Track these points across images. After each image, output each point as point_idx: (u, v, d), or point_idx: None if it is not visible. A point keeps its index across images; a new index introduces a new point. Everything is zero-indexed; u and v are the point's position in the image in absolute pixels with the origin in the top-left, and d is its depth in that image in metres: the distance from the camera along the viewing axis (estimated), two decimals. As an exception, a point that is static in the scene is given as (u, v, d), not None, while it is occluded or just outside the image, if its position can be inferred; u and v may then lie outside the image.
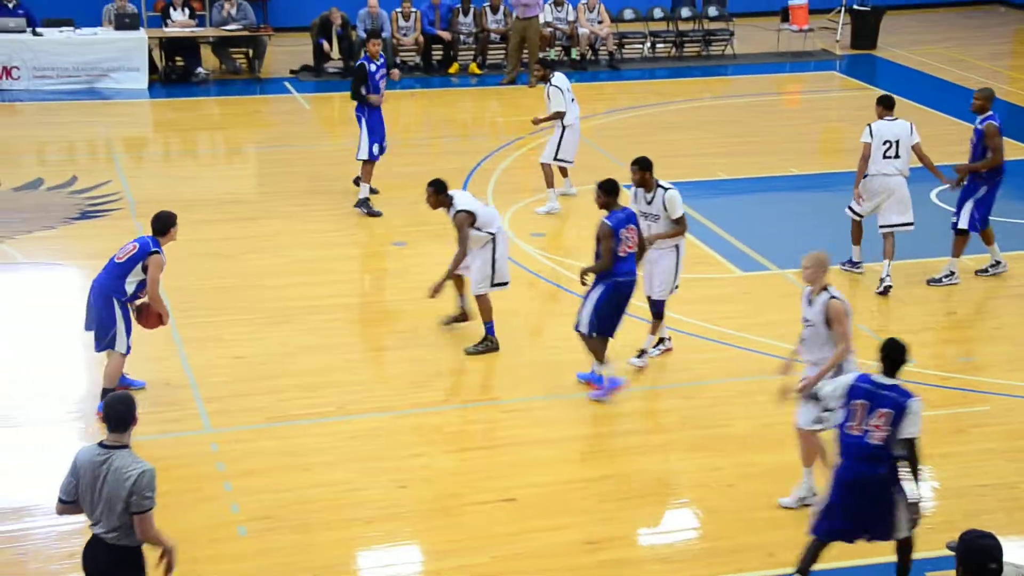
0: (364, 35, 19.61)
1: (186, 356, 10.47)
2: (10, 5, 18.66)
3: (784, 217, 14.16)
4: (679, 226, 10.32)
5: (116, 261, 9.48)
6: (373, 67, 13.65)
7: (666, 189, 10.33)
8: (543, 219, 13.81)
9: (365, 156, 13.74)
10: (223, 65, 19.76)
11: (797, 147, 16.61)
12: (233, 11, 19.37)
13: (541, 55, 18.30)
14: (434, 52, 20.22)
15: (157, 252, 9.42)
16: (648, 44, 21.27)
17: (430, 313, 11.35)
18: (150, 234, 9.56)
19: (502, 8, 20.15)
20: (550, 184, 14.02)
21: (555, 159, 14.04)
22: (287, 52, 20.45)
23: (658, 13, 21.72)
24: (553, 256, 12.70)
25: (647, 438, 9.56)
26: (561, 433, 9.46)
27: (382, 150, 13.88)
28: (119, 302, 9.41)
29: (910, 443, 7.13)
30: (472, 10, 20.11)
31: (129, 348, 9.47)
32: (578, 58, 20.45)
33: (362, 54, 14.09)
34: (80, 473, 6.31)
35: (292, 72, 19.78)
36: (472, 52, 20.25)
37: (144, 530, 6.26)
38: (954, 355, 10.77)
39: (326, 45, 19.47)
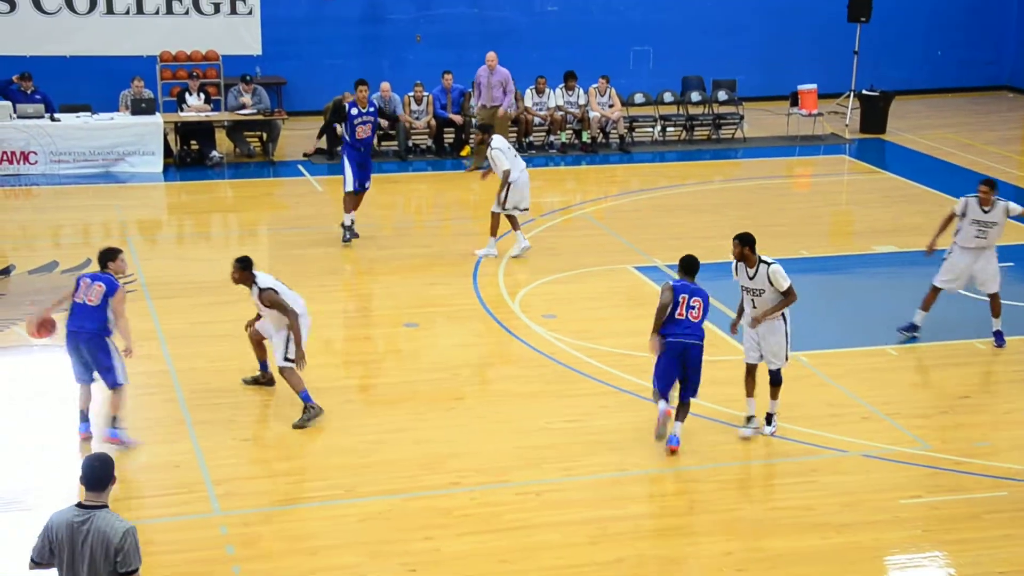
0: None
1: (196, 438, 10.45)
2: (29, 91, 18.95)
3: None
4: (788, 297, 10.46)
5: (90, 304, 9.95)
6: (355, 111, 15.08)
7: (769, 264, 10.46)
8: (553, 302, 13.83)
9: (350, 188, 15.24)
10: (237, 149, 19.99)
11: (807, 230, 16.66)
12: (248, 96, 19.64)
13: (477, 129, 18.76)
14: (446, 135, 20.43)
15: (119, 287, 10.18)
16: (659, 128, 21.47)
17: (441, 395, 11.34)
18: (99, 270, 10.20)
19: (513, 92, 20.37)
20: (493, 233, 15.03)
21: (504, 209, 14.88)
22: (300, 135, 20.69)
23: (668, 97, 21.97)
24: (564, 338, 12.70)
25: (657, 522, 9.47)
26: (571, 516, 9.38)
27: (361, 188, 15.37)
28: (108, 339, 10.09)
29: None
30: (484, 94, 20.35)
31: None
32: (589, 141, 20.64)
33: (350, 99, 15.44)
34: (56, 536, 6.26)
35: (305, 155, 20.00)
36: (484, 136, 20.43)
37: None
38: (968, 439, 10.68)
39: (339, 128, 19.61)
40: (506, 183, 14.74)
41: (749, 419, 10.71)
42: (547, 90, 20.54)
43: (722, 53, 23.60)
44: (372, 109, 15.47)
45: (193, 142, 19.65)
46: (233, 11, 20.23)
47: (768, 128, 22.11)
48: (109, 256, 10.27)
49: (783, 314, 10.51)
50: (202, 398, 11.21)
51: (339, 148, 19.68)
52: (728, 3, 23.82)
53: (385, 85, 19.99)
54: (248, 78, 19.86)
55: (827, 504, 9.56)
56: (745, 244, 10.49)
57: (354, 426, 10.80)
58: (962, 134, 21.86)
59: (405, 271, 14.71)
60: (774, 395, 10.68)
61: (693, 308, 10.17)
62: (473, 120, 20.30)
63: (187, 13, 20.25)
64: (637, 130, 21.32)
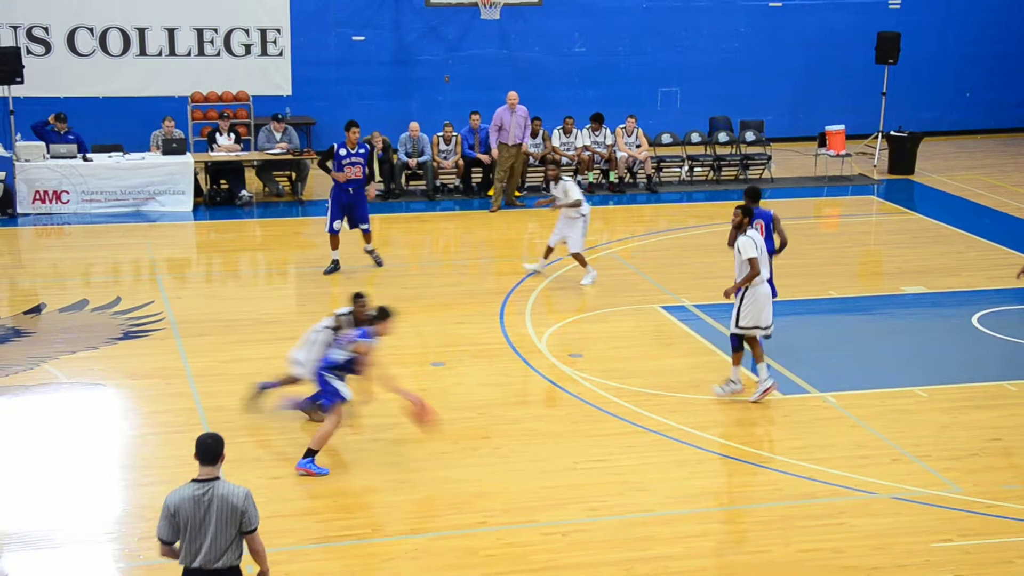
0: (405, 158, 20.02)
1: (223, 476, 10.43)
2: (63, 132, 19.19)
3: (823, 340, 14.09)
4: (752, 269, 11.91)
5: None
6: (343, 151, 15.70)
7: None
8: (580, 342, 13.81)
9: (327, 230, 15.82)
10: (266, 188, 20.15)
11: (835, 270, 16.61)
12: (278, 136, 19.82)
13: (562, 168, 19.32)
14: (473, 175, 20.53)
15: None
16: (686, 168, 21.51)
17: (468, 434, 11.33)
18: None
19: (541, 132, 20.48)
20: (585, 264, 15.61)
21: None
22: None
23: (696, 138, 22.03)
24: (590, 377, 12.68)
25: (684, 563, 9.40)
26: (598, 557, 9.33)
27: (354, 225, 15.89)
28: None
29: None
30: (511, 135, 20.46)
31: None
32: (616, 181, 20.69)
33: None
34: (178, 511, 6.96)
35: (334, 194, 20.09)
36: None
37: (256, 546, 7.06)
38: (999, 482, 10.57)
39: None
40: (582, 215, 15.31)
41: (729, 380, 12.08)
42: (574, 130, 20.63)
43: (750, 94, 23.66)
44: (362, 151, 15.77)
45: (223, 181, 19.82)
46: (264, 52, 20.47)
47: (796, 169, 22.11)
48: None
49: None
50: (229, 437, 11.08)
51: (367, 188, 19.89)
52: (755, 44, 23.90)
53: (414, 125, 20.13)
54: (279, 118, 20.05)
55: (857, 547, 9.47)
56: (747, 215, 12.09)
57: (381, 465, 10.79)
58: (991, 175, 21.78)
59: (432, 310, 14.74)
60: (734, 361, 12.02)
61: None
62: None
63: (218, 54, 20.50)
64: (664, 170, 21.36)
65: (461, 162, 20.25)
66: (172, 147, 19.31)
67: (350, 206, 15.89)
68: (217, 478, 7.04)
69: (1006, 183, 21.34)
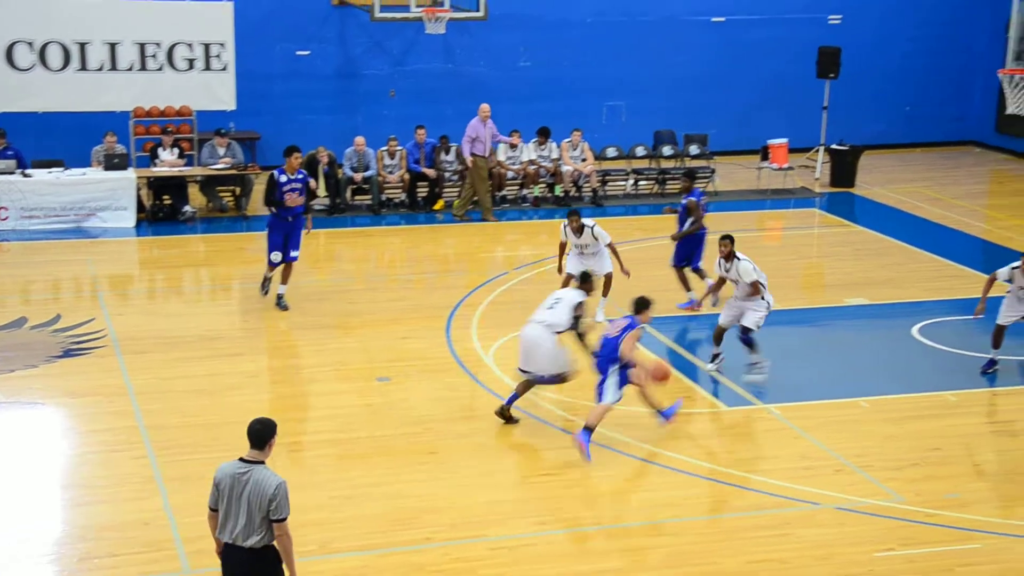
0: (350, 173, 19.95)
1: (167, 495, 10.34)
2: (1, 148, 18.91)
3: (767, 353, 14.17)
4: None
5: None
6: (284, 178, 14.81)
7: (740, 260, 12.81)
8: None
9: (267, 260, 15.06)
10: (210, 203, 19.98)
11: (779, 282, 16.67)
12: (222, 151, 19.67)
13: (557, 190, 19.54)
14: (419, 189, 20.50)
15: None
16: (631, 181, 21.62)
17: (415, 449, 11.28)
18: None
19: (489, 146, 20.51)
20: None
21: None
22: (274, 190, 20.68)
23: (640, 151, 22.16)
24: (538, 391, 12.66)
25: (633, 577, 9.42)
26: (545, 571, 9.31)
27: (285, 259, 15.00)
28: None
29: None
30: (454, 148, 20.46)
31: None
32: (562, 195, 20.75)
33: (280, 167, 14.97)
34: (221, 483, 7.38)
35: (279, 210, 19.97)
36: (457, 189, 20.53)
37: (282, 537, 7.31)
38: (940, 491, 10.69)
39: (312, 183, 19.66)
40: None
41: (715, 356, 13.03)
42: (520, 144, 20.67)
43: (694, 108, 23.84)
44: (301, 176, 15.02)
45: (166, 197, 19.63)
46: (207, 67, 20.28)
47: (739, 182, 22.29)
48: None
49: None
50: (173, 454, 11.10)
51: (312, 203, 19.78)
52: (699, 59, 24.09)
53: (359, 139, 20.08)
54: (223, 133, 19.90)
55: (802, 557, 9.53)
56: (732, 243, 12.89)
57: (327, 481, 10.71)
58: (931, 188, 22.09)
59: (378, 325, 14.68)
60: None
61: None
62: (446, 174, 20.37)
63: (161, 69, 20.29)
64: (610, 184, 21.46)
65: (407, 176, 20.21)
66: (114, 162, 19.10)
67: (287, 235, 15.02)
68: (261, 462, 7.37)
69: (945, 196, 21.65)
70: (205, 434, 11.58)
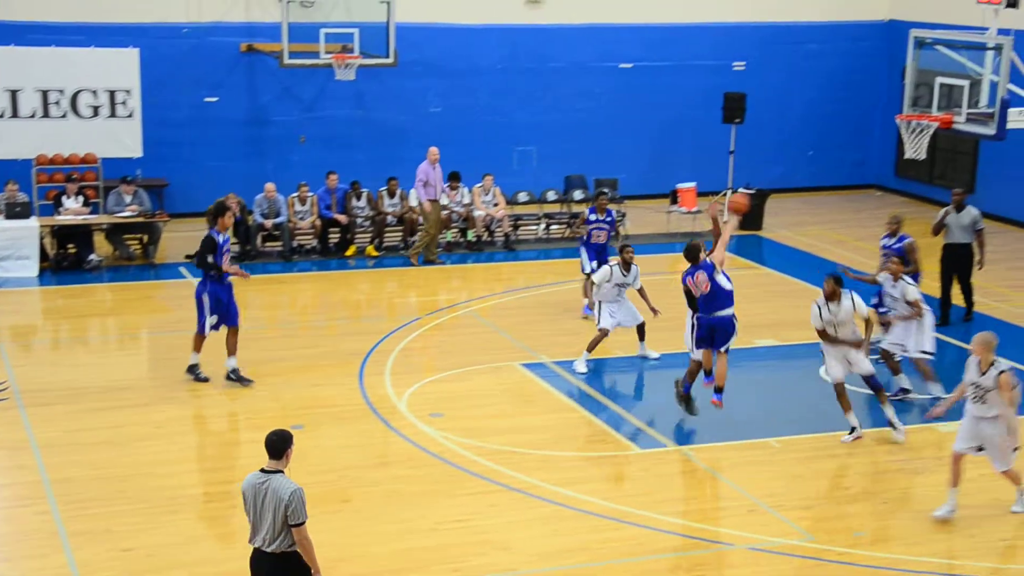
0: (260, 219, 19.78)
1: (71, 550, 10.07)
2: (-101, 194, 18.45)
3: (672, 394, 14.31)
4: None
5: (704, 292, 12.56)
6: (221, 239, 13.74)
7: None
8: (441, 401, 13.75)
9: (200, 332, 13.85)
10: (117, 252, 19.66)
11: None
12: (128, 198, 19.40)
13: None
14: (331, 235, 20.39)
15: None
16: (543, 225, 21.75)
17: (328, 497, 11.15)
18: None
19: (398, 192, 20.51)
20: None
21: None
22: (183, 237, 20.44)
23: (552, 196, 22.32)
24: (452, 436, 12.62)
25: (550, 622, 9.38)
26: (462, 620, 9.23)
27: (229, 324, 13.88)
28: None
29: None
30: (366, 194, 20.41)
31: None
32: (474, 240, 20.78)
33: (211, 227, 13.88)
34: (245, 494, 7.91)
35: (187, 257, 19.72)
36: (369, 235, 20.47)
37: (301, 540, 7.82)
38: (850, 529, 10.83)
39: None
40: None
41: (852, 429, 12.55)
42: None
43: (604, 152, 24.10)
44: (227, 237, 14.13)
45: (71, 246, 19.26)
46: (113, 114, 20.01)
47: (649, 225, 22.54)
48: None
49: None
50: (78, 509, 10.83)
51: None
52: (609, 104, 24.39)
53: (270, 186, 19.95)
54: (129, 180, 19.63)
55: (717, 598, 9.58)
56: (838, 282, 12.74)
57: (239, 532, 10.52)
58: (836, 230, 22.53)
59: (290, 372, 14.52)
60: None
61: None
62: (358, 220, 20.30)
63: (64, 116, 19.96)
64: (522, 228, 21.56)
65: (318, 222, 20.10)
66: (15, 211, 18.71)
67: (226, 300, 13.88)
68: (279, 471, 7.89)
69: (850, 238, 22.11)
70: (111, 487, 11.32)
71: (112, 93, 19.95)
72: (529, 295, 18.34)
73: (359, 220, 20.37)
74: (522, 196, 22.18)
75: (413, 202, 20.36)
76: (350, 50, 20.04)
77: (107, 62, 19.89)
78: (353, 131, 22.91)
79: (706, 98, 24.18)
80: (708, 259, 12.53)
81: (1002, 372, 10.66)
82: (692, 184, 22.20)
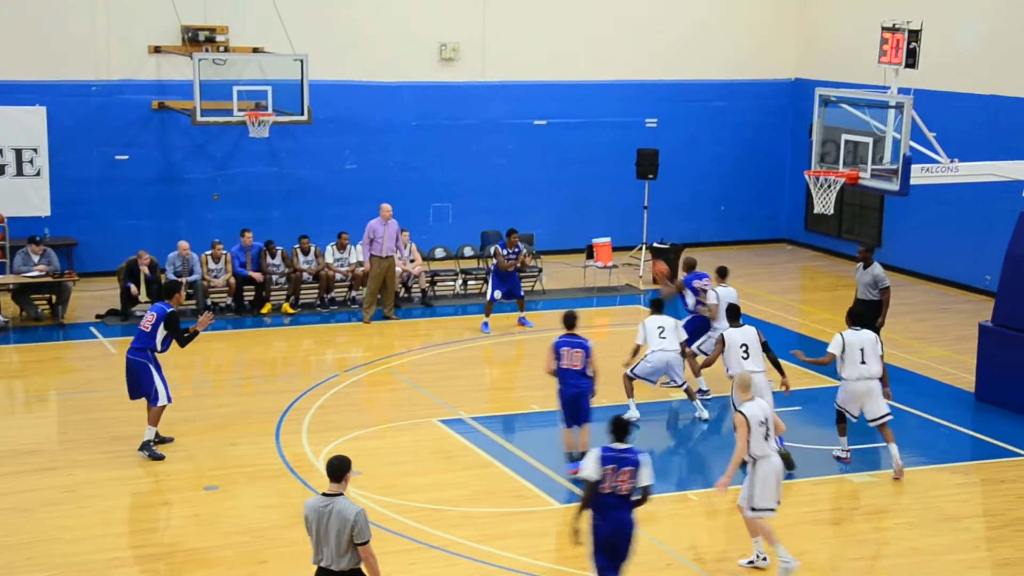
0: (173, 277, 19.52)
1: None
2: None
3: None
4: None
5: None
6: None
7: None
8: (359, 458, 13.57)
9: (164, 402, 13.51)
10: (24, 312, 19.25)
11: (607, 378, 16.96)
12: (36, 258, 19.05)
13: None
14: (245, 293, 20.19)
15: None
16: (460, 281, 21.77)
17: (244, 559, 10.95)
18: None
19: (312, 248, 20.40)
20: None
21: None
22: (93, 297, 20.11)
23: (468, 251, 22.38)
24: (370, 495, 12.49)
25: None
26: None
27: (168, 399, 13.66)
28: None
29: (646, 488, 9.51)
30: (280, 251, 20.28)
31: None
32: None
33: (164, 302, 13.77)
34: (308, 518, 8.37)
35: (98, 317, 19.41)
36: (284, 292, 20.32)
37: (366, 558, 8.27)
38: (769, 578, 10.91)
39: (134, 288, 19.25)
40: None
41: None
42: (348, 246, 20.63)
43: (519, 208, 24.26)
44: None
45: (-24, 306, 18.83)
46: (20, 172, 19.66)
47: (566, 280, 22.69)
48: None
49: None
50: (-17, 576, 10.48)
51: (134, 309, 19.30)
52: (523, 160, 24.59)
53: (183, 244, 19.72)
54: (37, 240, 19.28)
55: (638, 652, 9.54)
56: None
57: (151, 598, 10.29)
58: (749, 284, 22.86)
59: (205, 432, 14.29)
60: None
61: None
62: (273, 277, 20.15)
63: (-30, 174, 19.60)
64: (439, 284, 21.56)
65: (232, 281, 19.90)
66: (-81, 271, 18.27)
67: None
68: (340, 494, 8.34)
69: (762, 291, 22.46)
70: (17, 554, 11.01)
71: (19, 151, 19.63)
72: (447, 351, 18.31)
73: (274, 278, 20.22)
74: (439, 252, 22.21)
75: (361, 257, 20.42)
76: (263, 107, 20.00)
77: (13, 120, 19.58)
78: (267, 188, 22.81)
79: (619, 154, 24.53)
80: (589, 341, 13.07)
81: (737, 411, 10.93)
82: (607, 239, 22.43)
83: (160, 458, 13.46)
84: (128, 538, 11.55)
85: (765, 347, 13.62)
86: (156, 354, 13.59)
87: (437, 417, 14.98)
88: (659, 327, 15.01)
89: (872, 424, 13.43)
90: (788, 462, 12.73)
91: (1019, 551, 11.66)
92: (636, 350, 14.97)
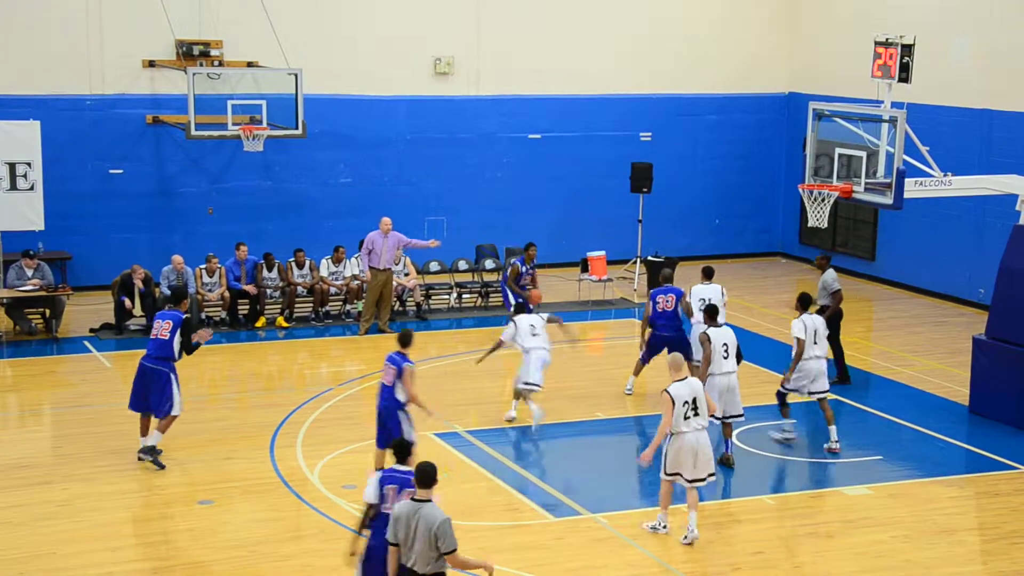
0: (168, 292, 19.50)
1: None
2: None
3: (592, 462, 14.35)
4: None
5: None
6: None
7: None
8: (354, 472, 13.60)
9: (180, 410, 13.55)
10: (17, 327, 19.22)
11: (601, 392, 17.01)
12: (30, 272, 19.03)
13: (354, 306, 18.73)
14: (240, 307, 20.18)
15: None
16: (454, 295, 21.78)
17: (239, 573, 10.92)
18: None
19: (307, 263, 20.40)
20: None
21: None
22: (87, 311, 20.09)
23: (463, 265, 22.39)
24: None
25: None
26: None
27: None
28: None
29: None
30: (277, 265, 20.29)
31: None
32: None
33: (170, 308, 13.74)
34: (398, 522, 8.52)
35: (92, 331, 19.38)
36: (279, 306, 20.30)
37: (456, 563, 8.47)
38: (765, 592, 10.90)
39: (127, 302, 19.23)
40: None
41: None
42: (344, 260, 20.64)
43: (514, 222, 24.29)
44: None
45: (-30, 320, 18.80)
46: (13, 187, 19.64)
47: (560, 294, 22.70)
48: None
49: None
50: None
51: (128, 323, 19.27)
52: (518, 174, 24.62)
53: (177, 258, 19.71)
54: (31, 254, 19.27)
55: (634, 666, 9.53)
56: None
57: (145, 613, 10.26)
58: (743, 298, 22.88)
59: (199, 446, 14.26)
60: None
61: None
62: (267, 291, 20.13)
63: (-38, 189, 19.59)
64: (433, 297, 21.56)
65: (227, 294, 19.89)
66: (-87, 285, 18.24)
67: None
68: (429, 500, 8.47)
69: (756, 304, 22.49)
70: (11, 569, 10.97)
71: (12, 166, 19.61)
72: (442, 364, 18.30)
73: (269, 291, 20.21)
74: (433, 266, 22.22)
75: (356, 271, 20.45)
76: (258, 121, 20.01)
77: (7, 134, 19.55)
78: (262, 202, 22.81)
79: (613, 168, 24.57)
80: (408, 363, 12.51)
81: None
82: (602, 252, 22.45)
83: (162, 467, 13.44)
84: (123, 552, 11.51)
85: (738, 353, 14.10)
86: (175, 363, 13.54)
87: (431, 431, 14.96)
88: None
89: (814, 398, 14.40)
90: (728, 463, 13.80)
91: (1014, 564, 11.67)
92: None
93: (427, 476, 8.52)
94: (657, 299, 15.45)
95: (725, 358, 13.84)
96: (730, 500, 13.02)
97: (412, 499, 8.53)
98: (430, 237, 23.88)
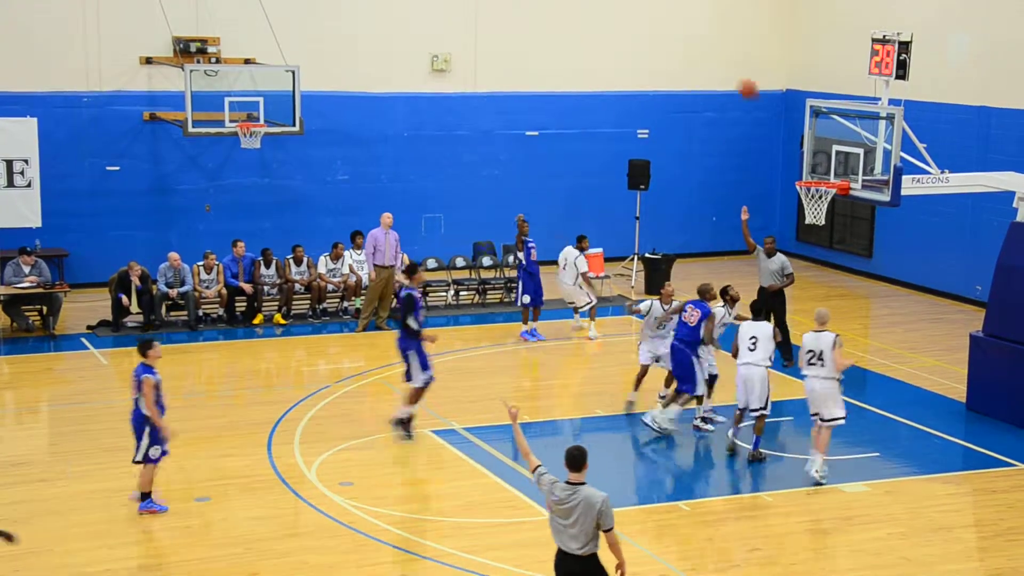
0: (165, 289, 19.50)
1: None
2: None
3: (591, 459, 14.31)
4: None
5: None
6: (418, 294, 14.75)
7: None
8: (351, 469, 13.60)
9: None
10: (14, 323, 19.21)
11: (599, 389, 17.02)
12: (27, 269, 19.01)
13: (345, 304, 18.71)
14: (237, 304, 20.17)
15: (149, 373, 12.10)
16: (452, 292, 21.77)
17: (236, 570, 10.93)
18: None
19: (305, 260, 20.39)
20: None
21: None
22: (84, 308, 20.07)
23: (460, 262, 22.38)
24: (362, 505, 12.48)
25: None
26: None
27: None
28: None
29: None
30: (274, 262, 20.28)
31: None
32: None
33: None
34: (555, 504, 8.72)
35: (89, 328, 19.37)
36: (276, 303, 20.30)
37: (611, 541, 8.69)
38: (762, 588, 10.91)
39: (125, 299, 19.22)
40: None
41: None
42: (342, 257, 20.64)
43: (511, 219, 24.18)
44: None
45: (-33, 317, 18.79)
46: (10, 184, 19.63)
47: (558, 291, 22.66)
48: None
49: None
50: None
51: (125, 320, 19.27)
52: (515, 171, 24.62)
53: (174, 255, 19.70)
54: (28, 251, 19.25)
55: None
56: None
57: (142, 610, 10.26)
58: (741, 294, 22.88)
59: (196, 443, 14.26)
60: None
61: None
62: (265, 288, 20.12)
63: (-41, 186, 19.57)
64: (431, 295, 21.56)
65: (224, 291, 19.88)
66: (-90, 282, 18.23)
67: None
68: (583, 483, 8.68)
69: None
70: (7, 566, 10.97)
71: (9, 163, 19.60)
72: (439, 361, 18.25)
73: (266, 288, 20.20)
74: (431, 263, 22.21)
75: (352, 267, 20.49)
76: (255, 118, 19.99)
77: (4, 131, 19.53)
78: (259, 199, 22.80)
79: (610, 165, 24.57)
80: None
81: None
82: (599, 249, 22.44)
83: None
84: (120, 550, 11.50)
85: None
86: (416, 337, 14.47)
87: (429, 428, 14.96)
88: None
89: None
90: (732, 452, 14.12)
91: (1011, 561, 11.68)
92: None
93: (575, 459, 8.76)
94: (687, 308, 15.27)
95: (751, 350, 13.96)
96: (728, 497, 13.02)
97: (567, 482, 8.72)
98: (428, 233, 23.95)
